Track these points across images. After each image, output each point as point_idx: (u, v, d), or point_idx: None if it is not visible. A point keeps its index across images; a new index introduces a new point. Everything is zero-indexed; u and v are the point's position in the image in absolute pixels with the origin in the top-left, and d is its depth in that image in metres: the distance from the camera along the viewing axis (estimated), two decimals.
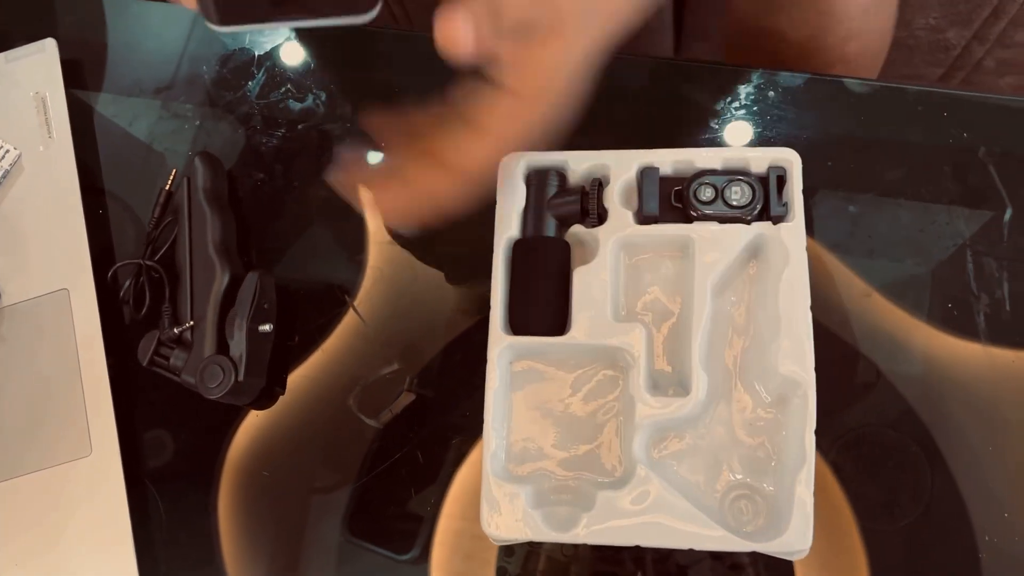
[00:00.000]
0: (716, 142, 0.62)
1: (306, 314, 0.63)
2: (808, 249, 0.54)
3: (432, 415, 0.60)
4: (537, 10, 0.37)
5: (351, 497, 0.59)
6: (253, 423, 0.62)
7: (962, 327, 0.57)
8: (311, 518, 0.59)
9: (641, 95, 0.64)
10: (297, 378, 0.62)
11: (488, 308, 0.56)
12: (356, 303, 0.63)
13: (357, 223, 0.64)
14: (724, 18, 0.79)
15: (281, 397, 0.62)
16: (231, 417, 0.62)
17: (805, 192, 0.56)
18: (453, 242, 0.64)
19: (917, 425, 0.56)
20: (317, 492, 0.60)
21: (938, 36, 0.95)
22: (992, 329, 0.56)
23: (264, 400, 0.62)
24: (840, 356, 0.57)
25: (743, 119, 0.62)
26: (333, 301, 0.63)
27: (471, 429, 0.59)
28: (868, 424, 0.57)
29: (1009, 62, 0.98)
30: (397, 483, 0.59)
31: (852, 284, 0.59)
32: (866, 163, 0.60)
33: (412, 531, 0.58)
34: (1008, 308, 0.56)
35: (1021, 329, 0.56)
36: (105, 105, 0.70)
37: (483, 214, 0.59)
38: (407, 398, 0.60)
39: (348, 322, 0.62)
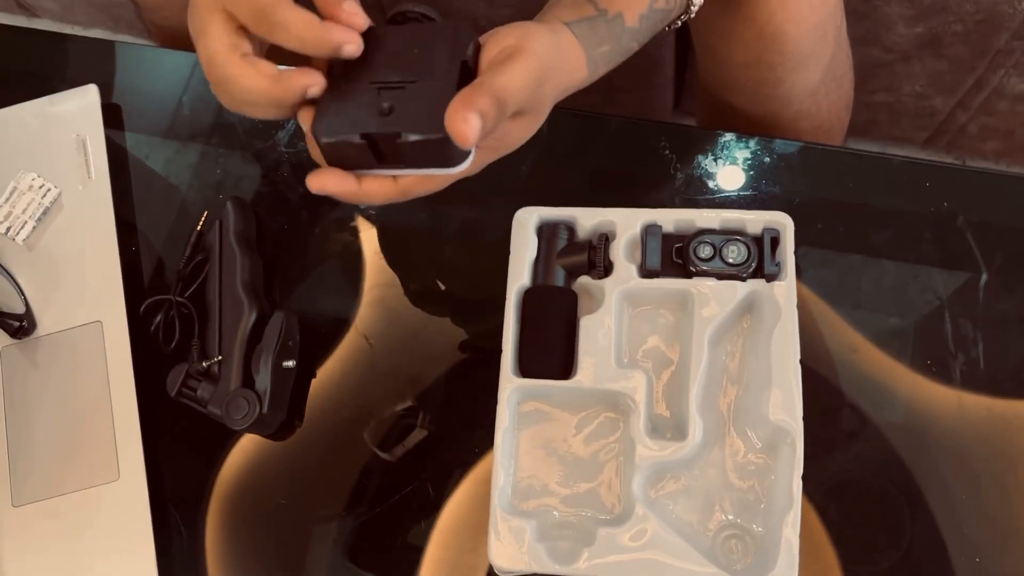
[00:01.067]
0: (715, 202, 0.66)
1: (326, 351, 0.67)
2: (800, 301, 0.59)
3: (442, 450, 0.63)
4: (530, 100, 0.47)
5: (356, 525, 0.62)
6: (273, 453, 0.65)
7: (941, 382, 0.61)
8: (319, 544, 0.63)
9: (646, 157, 0.68)
10: (315, 412, 0.66)
11: (496, 349, 0.60)
12: (373, 342, 0.66)
13: (376, 268, 0.68)
14: (695, 89, 0.85)
15: (301, 430, 0.65)
16: (252, 447, 0.65)
17: (797, 251, 0.60)
18: (465, 287, 0.68)
19: (899, 472, 0.60)
20: (327, 519, 0.63)
21: (924, 103, 1.01)
22: (968, 385, 0.60)
23: (284, 431, 0.65)
24: (828, 403, 0.61)
25: (741, 182, 0.67)
26: (352, 339, 0.67)
27: (477, 463, 0.63)
28: (853, 470, 0.60)
29: (992, 128, 1.03)
30: (406, 513, 0.62)
31: (839, 337, 0.63)
32: (853, 226, 0.65)
33: (413, 560, 0.61)
34: (982, 367, 0.60)
35: (995, 385, 0.60)
36: (141, 148, 0.74)
37: (493, 262, 0.63)
38: (419, 434, 0.64)
39: (365, 360, 0.66)
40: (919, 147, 1.15)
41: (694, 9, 0.59)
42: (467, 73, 0.47)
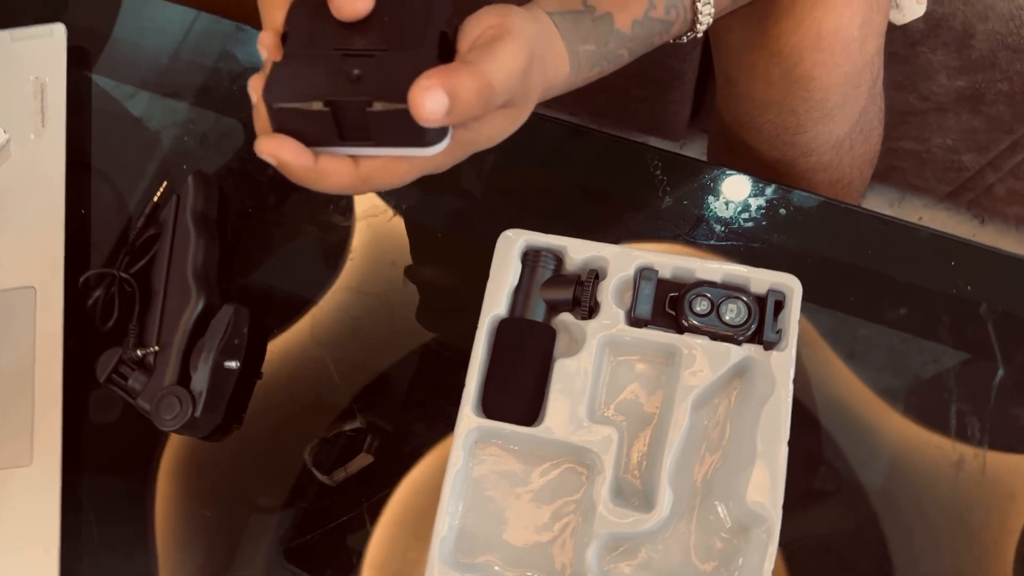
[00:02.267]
0: (720, 249, 0.61)
1: (276, 354, 0.61)
2: (795, 366, 0.53)
3: (385, 481, 0.58)
4: (518, 89, 0.42)
5: (282, 549, 0.57)
6: (204, 456, 0.60)
7: (937, 475, 0.56)
8: (235, 562, 0.57)
9: (652, 188, 0.63)
10: (255, 418, 0.60)
11: (460, 380, 0.55)
12: (329, 351, 0.61)
13: (343, 270, 0.62)
14: (711, 120, 0.79)
15: (238, 435, 0.60)
16: (182, 448, 0.60)
17: (801, 314, 0.54)
18: (437, 305, 0.62)
19: (875, 540, 0.55)
20: (250, 536, 0.58)
21: (953, 157, 0.95)
22: (967, 486, 0.55)
23: (218, 435, 0.60)
24: (807, 459, 0.56)
25: (749, 230, 0.61)
26: (306, 345, 0.61)
27: (420, 501, 0.57)
28: (824, 533, 0.56)
29: (1020, 193, 0.98)
30: (339, 545, 0.57)
31: (831, 413, 0.57)
32: (866, 297, 0.59)
33: None
34: (985, 471, 0.55)
35: (994, 490, 0.55)
36: (105, 101, 0.68)
37: (472, 280, 0.57)
38: (363, 459, 0.58)
39: (317, 369, 0.60)
40: (939, 199, 1.10)
41: (700, 28, 0.53)
42: (447, 46, 0.41)
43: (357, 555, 0.57)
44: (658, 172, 0.63)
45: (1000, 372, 0.57)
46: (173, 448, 0.60)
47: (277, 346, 0.61)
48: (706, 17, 0.52)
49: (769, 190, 0.61)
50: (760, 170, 0.70)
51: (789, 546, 0.55)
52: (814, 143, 0.66)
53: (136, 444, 0.60)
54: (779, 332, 0.54)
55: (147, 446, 0.60)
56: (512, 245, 0.57)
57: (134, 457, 0.60)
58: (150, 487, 0.59)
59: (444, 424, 0.58)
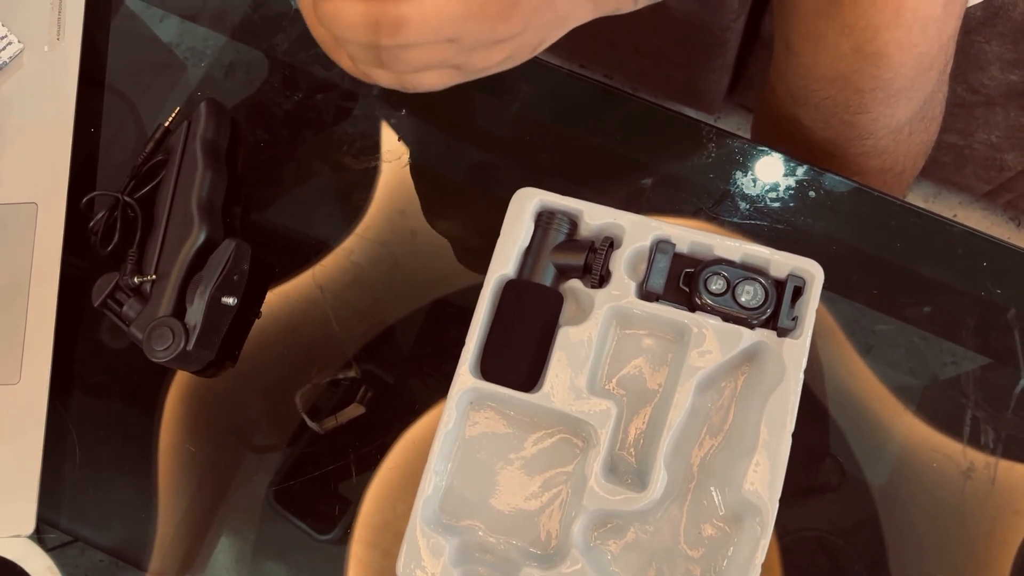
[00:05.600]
0: (741, 228, 0.58)
1: (277, 294, 0.59)
2: (808, 355, 0.51)
3: (375, 434, 0.56)
4: None
5: (266, 493, 0.56)
6: (195, 391, 0.58)
7: (943, 482, 0.54)
8: (215, 497, 0.56)
9: (682, 159, 0.60)
10: (250, 358, 0.59)
11: (461, 338, 0.53)
12: (329, 295, 0.59)
13: (351, 211, 0.61)
14: (761, 91, 0.75)
15: (231, 373, 0.58)
16: (172, 378, 0.58)
17: (820, 302, 0.52)
18: (446, 259, 0.60)
19: (873, 539, 0.53)
20: (232, 476, 0.57)
21: (996, 154, 0.91)
22: (972, 499, 0.53)
23: (210, 371, 0.58)
24: (812, 451, 0.54)
25: (776, 211, 0.58)
26: (308, 288, 0.59)
27: (408, 458, 0.56)
28: (822, 527, 0.54)
29: None
30: (322, 495, 0.56)
31: (841, 407, 0.55)
32: (890, 290, 0.57)
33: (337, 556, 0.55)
34: (994, 484, 0.53)
35: (1002, 504, 0.53)
36: (124, 19, 0.66)
37: (484, 241, 0.55)
38: (355, 410, 0.57)
39: (317, 314, 0.59)
40: (975, 198, 1.06)
41: None
42: None
43: (343, 503, 0.56)
44: (687, 143, 0.60)
45: (1022, 383, 0.54)
46: (164, 380, 0.59)
47: (278, 286, 0.60)
48: None
49: (801, 170, 0.59)
50: (809, 150, 0.67)
51: (785, 537, 0.53)
52: (873, 125, 0.62)
53: (127, 373, 0.59)
54: (795, 319, 0.52)
55: (138, 376, 0.59)
56: (526, 204, 0.55)
57: (124, 385, 0.59)
58: (138, 417, 0.58)
59: (441, 382, 0.56)
